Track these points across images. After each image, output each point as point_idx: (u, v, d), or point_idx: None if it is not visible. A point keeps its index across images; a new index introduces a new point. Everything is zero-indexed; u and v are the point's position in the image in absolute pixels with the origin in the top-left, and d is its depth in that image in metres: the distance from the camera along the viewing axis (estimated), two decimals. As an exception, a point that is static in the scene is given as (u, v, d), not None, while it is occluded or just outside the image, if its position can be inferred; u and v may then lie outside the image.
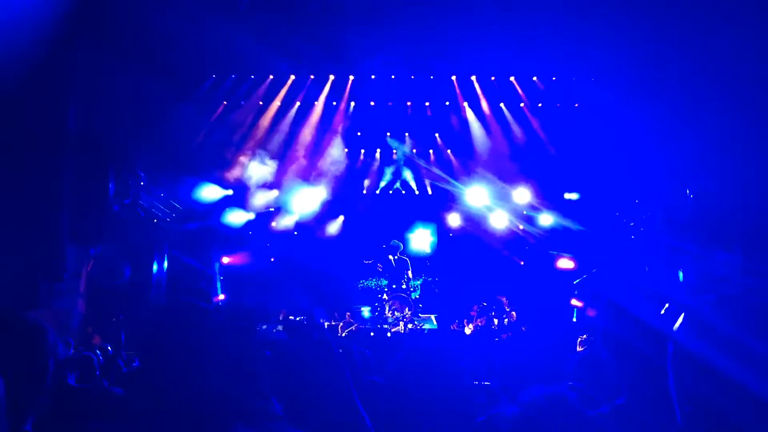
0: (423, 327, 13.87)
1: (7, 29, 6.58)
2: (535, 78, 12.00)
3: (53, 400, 1.94)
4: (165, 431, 1.50)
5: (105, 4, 8.35)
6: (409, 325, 13.60)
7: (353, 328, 13.16)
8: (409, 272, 14.44)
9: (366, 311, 14.05)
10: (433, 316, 14.22)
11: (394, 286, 14.29)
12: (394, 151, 13.98)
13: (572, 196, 13.42)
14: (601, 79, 11.48)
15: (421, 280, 15.04)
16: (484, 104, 12.67)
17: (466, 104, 12.86)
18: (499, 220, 14.01)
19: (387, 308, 14.04)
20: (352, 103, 12.91)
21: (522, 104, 12.62)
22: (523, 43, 10.42)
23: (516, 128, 12.81)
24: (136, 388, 2.39)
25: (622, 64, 10.58)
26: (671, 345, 1.23)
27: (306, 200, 13.97)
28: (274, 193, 13.98)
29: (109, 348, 5.56)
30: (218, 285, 13.79)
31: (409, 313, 13.88)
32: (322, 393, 2.09)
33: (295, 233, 14.61)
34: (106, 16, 8.35)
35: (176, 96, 10.98)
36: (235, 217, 13.92)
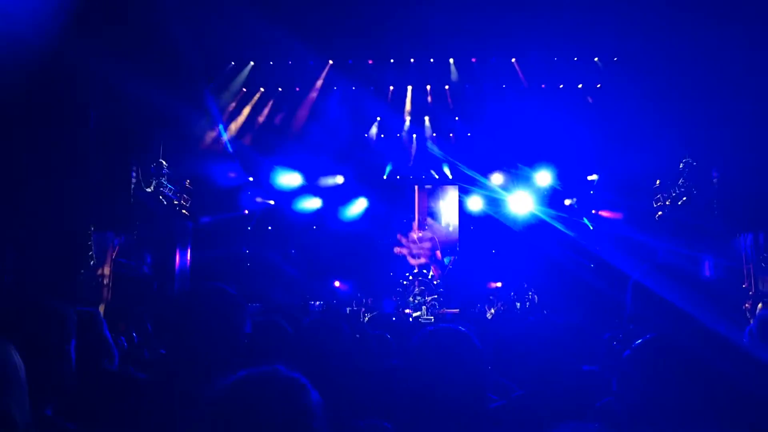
0: (445, 311, 13.83)
1: (27, 32, 6.69)
2: (555, 59, 11.84)
3: (79, 385, 1.97)
4: (183, 417, 1.51)
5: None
6: (431, 310, 13.57)
7: (375, 312, 13.18)
8: (438, 252, 14.39)
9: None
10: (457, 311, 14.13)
11: (415, 271, 14.25)
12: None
13: (593, 177, 13.29)
14: (624, 60, 11.31)
15: (449, 258, 14.92)
16: (504, 86, 12.54)
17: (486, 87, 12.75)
18: (521, 204, 13.91)
19: (409, 292, 14.02)
20: (372, 87, 12.86)
21: (543, 86, 12.47)
22: (543, 24, 10.28)
23: (537, 110, 12.67)
24: (159, 375, 2.41)
25: (645, 46, 10.40)
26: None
27: (331, 184, 14.06)
28: (297, 177, 14.02)
29: (134, 335, 5.63)
30: None
31: (432, 298, 13.84)
32: (337, 378, 2.09)
33: (314, 227, 14.61)
34: (122, 5, 8.40)
35: (196, 84, 11.03)
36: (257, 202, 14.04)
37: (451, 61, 12.07)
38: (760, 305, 7.42)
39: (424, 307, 13.53)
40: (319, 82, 12.54)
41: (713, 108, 9.55)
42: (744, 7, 8.32)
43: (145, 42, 9.17)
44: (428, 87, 12.88)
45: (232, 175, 13.22)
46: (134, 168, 9.99)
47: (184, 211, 12.16)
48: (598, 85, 12.21)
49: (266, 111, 13.18)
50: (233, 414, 1.28)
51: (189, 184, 12.34)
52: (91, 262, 9.15)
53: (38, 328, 1.76)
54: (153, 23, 8.90)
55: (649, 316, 2.64)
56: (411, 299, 13.91)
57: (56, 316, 1.81)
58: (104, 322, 2.69)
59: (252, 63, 12.04)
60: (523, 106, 12.72)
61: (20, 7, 6.71)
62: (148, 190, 10.53)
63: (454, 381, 2.00)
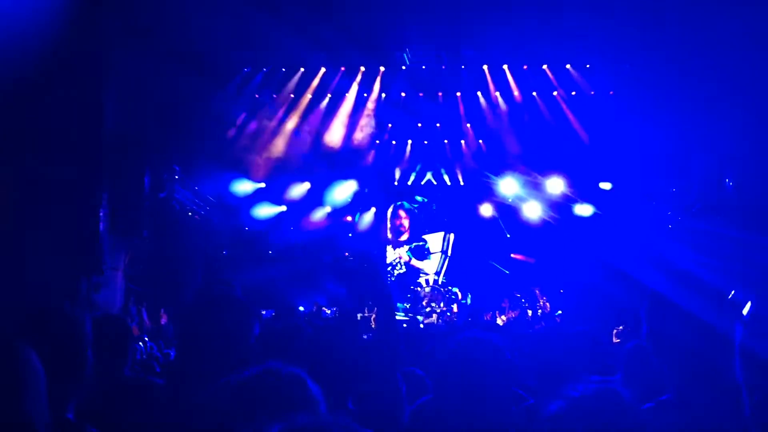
0: (455, 318, 13.79)
1: (41, 29, 6.73)
2: (568, 66, 11.80)
3: (98, 390, 1.98)
4: (198, 421, 1.51)
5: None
6: (438, 312, 13.53)
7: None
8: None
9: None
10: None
11: (427, 278, 14.26)
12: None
13: (606, 185, 13.20)
14: (636, 66, 11.25)
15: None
16: (516, 93, 12.51)
17: (498, 94, 12.72)
18: (532, 211, 13.86)
19: (420, 299, 14.00)
20: (383, 94, 12.85)
21: (555, 93, 12.42)
22: (555, 31, 10.26)
23: (549, 117, 12.63)
24: (173, 380, 2.42)
25: (657, 51, 10.36)
26: (739, 334, 1.19)
27: (338, 192, 14.02)
28: (306, 185, 14.02)
29: (146, 339, 5.67)
30: None
31: (444, 305, 13.81)
32: (354, 381, 2.10)
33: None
34: (138, 11, 8.46)
35: (210, 89, 11.09)
36: (265, 211, 14.02)
37: (463, 67, 12.06)
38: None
39: (435, 315, 13.50)
40: (333, 87, 12.60)
41: (727, 113, 9.49)
42: (761, 9, 8.26)
43: (165, 41, 9.23)
44: (440, 94, 12.87)
45: (244, 183, 13.25)
46: (148, 172, 10.04)
47: (196, 216, 12.21)
48: (611, 92, 12.16)
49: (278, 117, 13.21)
50: (229, 414, 1.25)
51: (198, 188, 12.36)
52: (103, 267, 9.18)
53: (58, 333, 1.77)
54: (173, 22, 8.95)
55: (667, 328, 2.62)
56: (422, 305, 13.89)
57: (75, 322, 1.83)
58: (131, 329, 2.73)
59: (264, 69, 12.09)
60: (533, 113, 12.70)
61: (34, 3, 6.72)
62: (161, 195, 10.59)
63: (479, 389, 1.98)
